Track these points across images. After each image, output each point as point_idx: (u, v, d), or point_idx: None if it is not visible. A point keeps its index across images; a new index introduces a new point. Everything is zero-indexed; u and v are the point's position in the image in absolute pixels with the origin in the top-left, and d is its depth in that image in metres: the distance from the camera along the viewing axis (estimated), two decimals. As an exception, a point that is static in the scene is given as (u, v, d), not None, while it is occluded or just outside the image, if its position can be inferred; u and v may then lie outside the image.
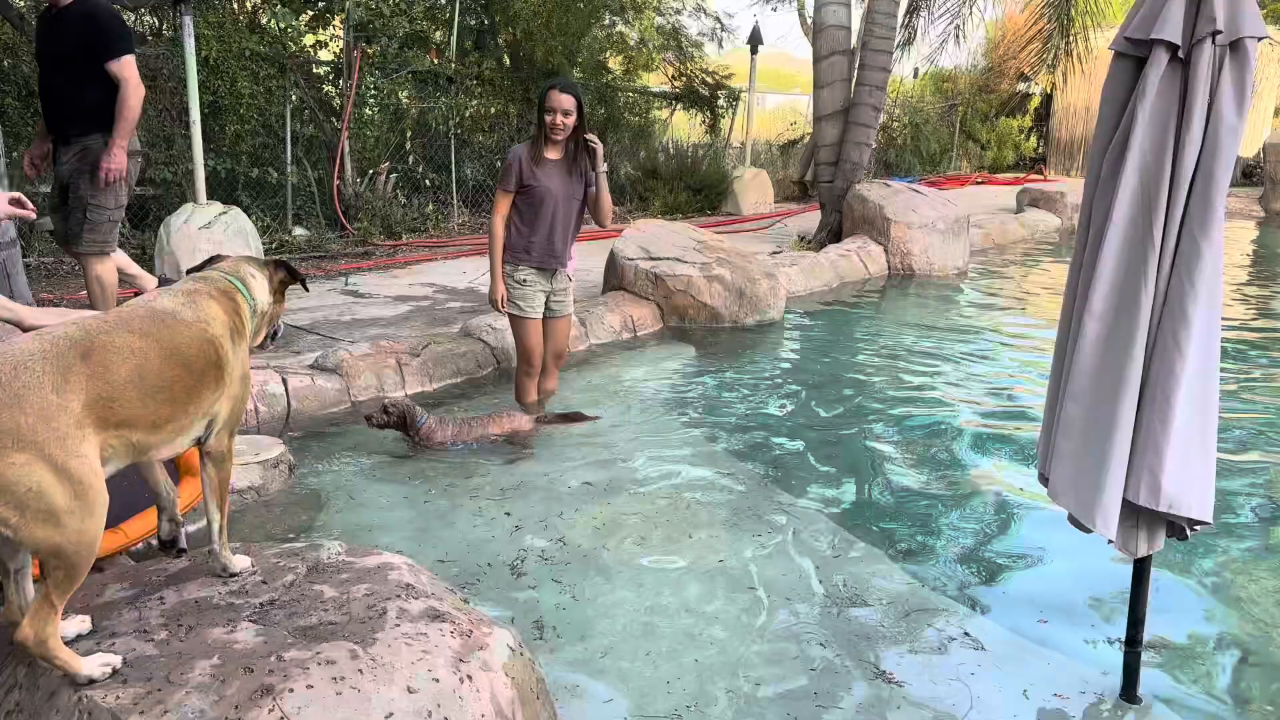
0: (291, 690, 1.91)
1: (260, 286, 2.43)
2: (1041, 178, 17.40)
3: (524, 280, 4.46)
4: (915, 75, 18.42)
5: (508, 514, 3.65)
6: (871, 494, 3.99)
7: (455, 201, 11.34)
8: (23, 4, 9.13)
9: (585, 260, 8.43)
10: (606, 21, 12.73)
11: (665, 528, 3.56)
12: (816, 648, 2.80)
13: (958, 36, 12.35)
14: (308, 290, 3.13)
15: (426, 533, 3.50)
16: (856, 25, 10.57)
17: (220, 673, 1.98)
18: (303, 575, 2.41)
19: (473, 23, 12.09)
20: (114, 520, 2.82)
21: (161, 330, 2.11)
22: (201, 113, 7.68)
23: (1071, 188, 13.06)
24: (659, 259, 6.67)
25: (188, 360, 2.12)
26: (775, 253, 8.92)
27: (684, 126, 15.01)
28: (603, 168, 4.41)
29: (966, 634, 2.89)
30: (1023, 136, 19.68)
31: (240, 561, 2.37)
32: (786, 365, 5.95)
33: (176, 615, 2.20)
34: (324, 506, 3.71)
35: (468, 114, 11.45)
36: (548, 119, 4.22)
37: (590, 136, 4.33)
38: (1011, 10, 17.01)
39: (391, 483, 3.93)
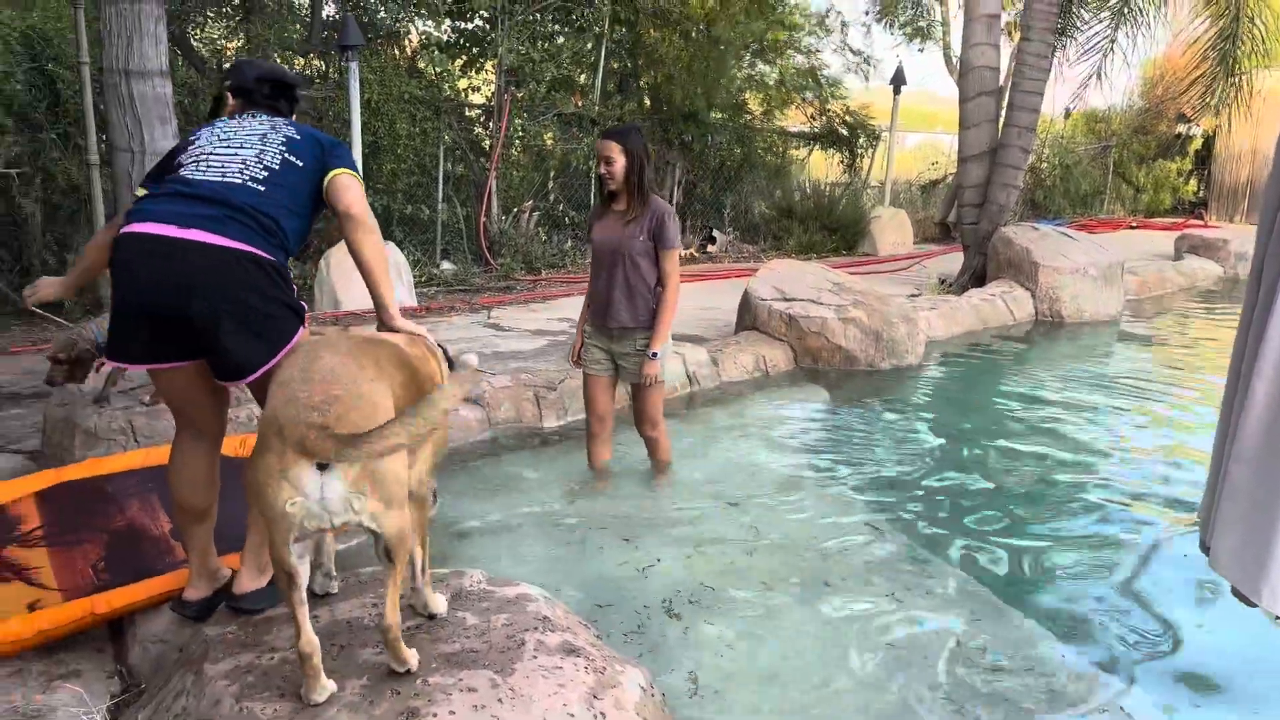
0: (435, 715, 1.99)
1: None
2: (1202, 223, 16.44)
3: (586, 333, 4.27)
4: (1066, 115, 17.79)
5: (637, 551, 3.68)
6: (1012, 554, 3.83)
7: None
8: (205, 50, 9.91)
9: (718, 298, 8.48)
10: (746, 63, 12.84)
11: (795, 575, 3.52)
12: (952, 714, 2.71)
13: (1099, 77, 11.84)
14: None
15: (559, 565, 3.56)
16: (1004, 64, 10.33)
17: (369, 693, 2.07)
18: (447, 601, 2.51)
19: (616, 66, 12.41)
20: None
21: (421, 366, 2.39)
22: (362, 152, 8.15)
23: (1235, 235, 12.30)
24: (793, 299, 6.65)
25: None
26: (913, 295, 8.74)
27: (821, 165, 14.93)
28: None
29: (1120, 709, 2.74)
30: (1181, 180, 18.68)
31: (440, 603, 2.42)
32: (925, 413, 5.80)
33: (330, 634, 2.32)
34: (464, 534, 3.83)
35: (608, 154, 11.73)
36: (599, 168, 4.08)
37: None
38: (1171, 51, 16.26)
39: (528, 514, 4.03)
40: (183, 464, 2.58)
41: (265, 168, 2.49)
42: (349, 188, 2.54)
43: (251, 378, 2.41)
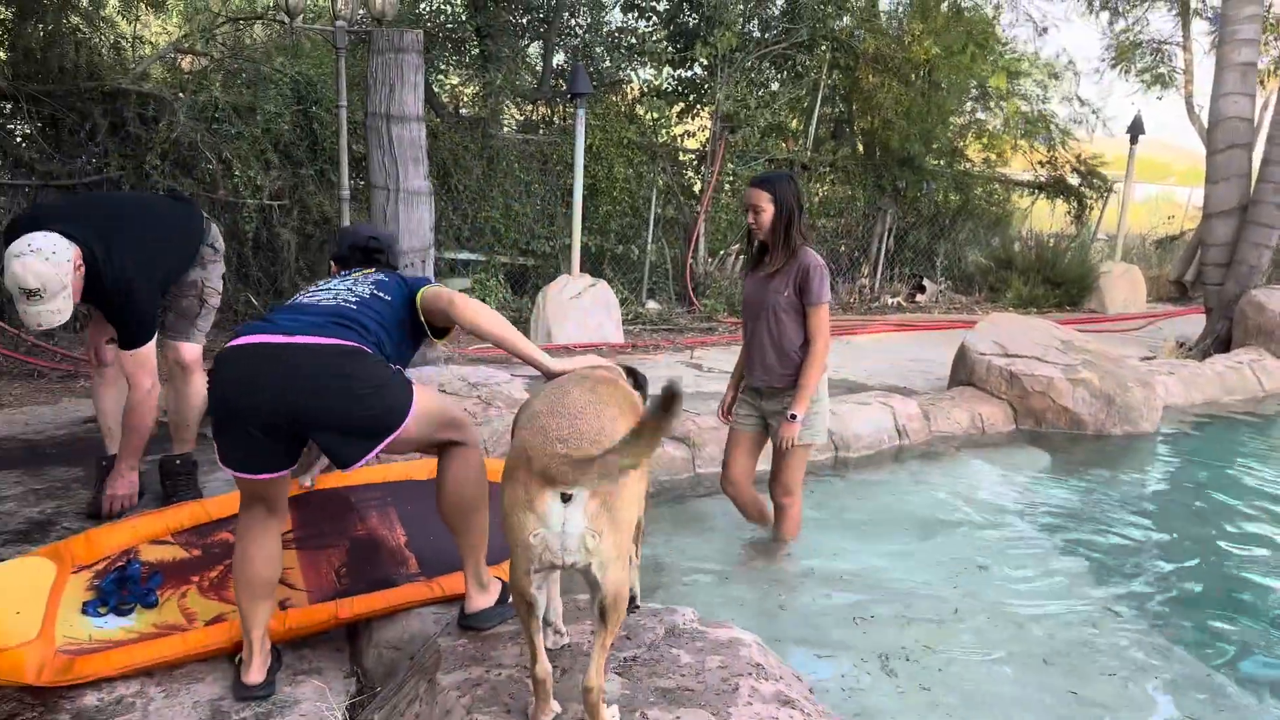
0: (654, 750, 2.00)
1: None
2: None
3: (741, 385, 4.08)
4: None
5: (844, 603, 3.59)
6: (1247, 645, 3.45)
7: (798, 284, 11.53)
8: (444, 95, 10.65)
9: (929, 350, 8.21)
10: (967, 109, 12.48)
11: (1006, 647, 3.32)
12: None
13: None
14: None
15: (765, 610, 3.53)
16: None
17: (590, 719, 2.11)
18: (660, 636, 2.53)
19: (830, 111, 12.37)
20: (498, 558, 3.15)
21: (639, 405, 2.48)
22: (581, 195, 8.51)
23: None
24: (1015, 356, 6.33)
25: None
26: (1147, 358, 8.13)
27: (1044, 216, 14.22)
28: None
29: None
30: None
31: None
32: (1160, 486, 5.36)
33: (553, 657, 2.38)
34: (668, 571, 3.87)
35: (816, 200, 11.67)
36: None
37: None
38: None
39: (733, 555, 4.02)
40: (260, 542, 2.60)
41: (356, 296, 2.64)
42: (438, 292, 2.69)
43: (358, 465, 2.49)
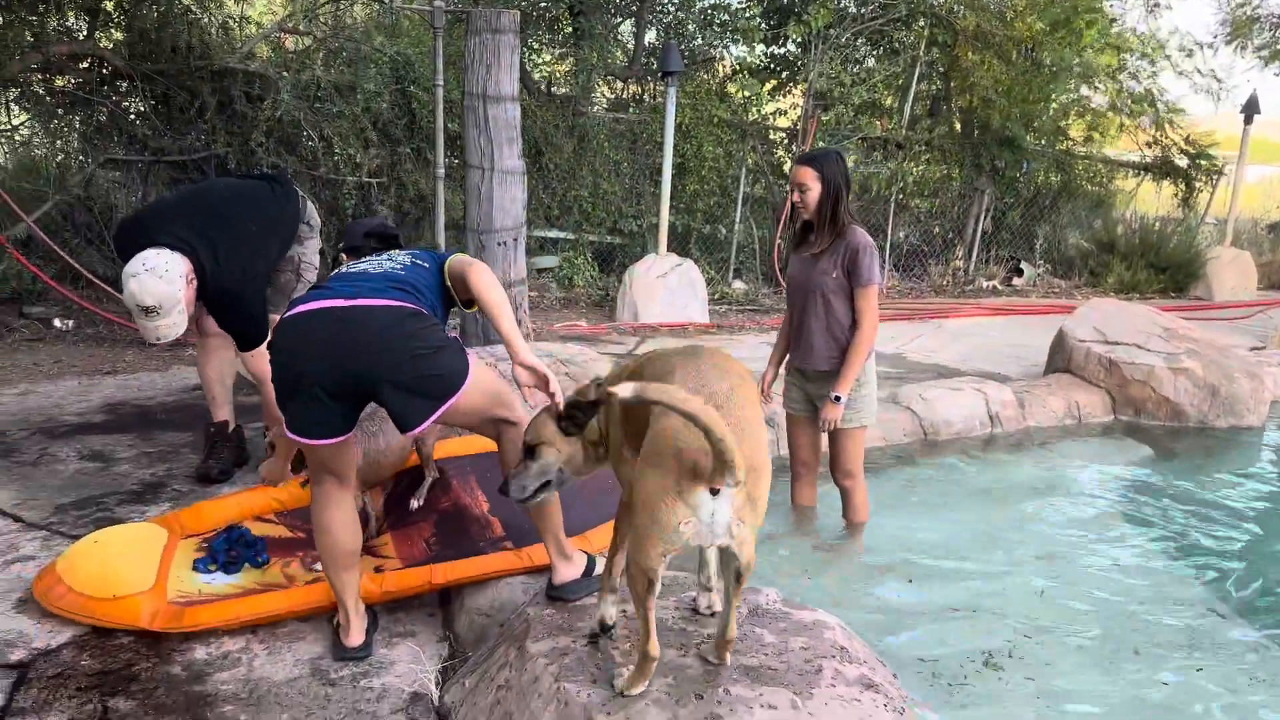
0: (737, 726, 2.03)
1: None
2: None
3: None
4: None
5: (930, 592, 3.55)
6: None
7: (887, 265, 11.34)
8: (537, 73, 10.74)
9: (1025, 335, 7.98)
10: (1070, 87, 12.02)
11: (1100, 638, 3.25)
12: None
13: None
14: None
15: (849, 595, 3.52)
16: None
17: (674, 692, 2.15)
18: (744, 616, 2.55)
19: (927, 89, 12.07)
20: (580, 528, 3.21)
21: None
22: (670, 173, 8.50)
23: None
24: (1115, 343, 6.12)
25: None
26: (1256, 348, 7.76)
27: (1149, 198, 13.64)
28: None
29: None
30: None
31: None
32: (1265, 482, 5.14)
33: (635, 633, 2.43)
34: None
35: (910, 179, 11.43)
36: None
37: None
38: None
39: (817, 540, 4.01)
40: (335, 513, 2.66)
41: (399, 264, 2.71)
42: (463, 257, 2.77)
43: (419, 430, 2.55)
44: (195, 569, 3.14)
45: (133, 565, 2.96)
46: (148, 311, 3.45)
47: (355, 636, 2.71)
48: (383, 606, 3.00)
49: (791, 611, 2.61)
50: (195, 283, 3.58)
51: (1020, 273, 11.85)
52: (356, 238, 3.21)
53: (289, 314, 2.54)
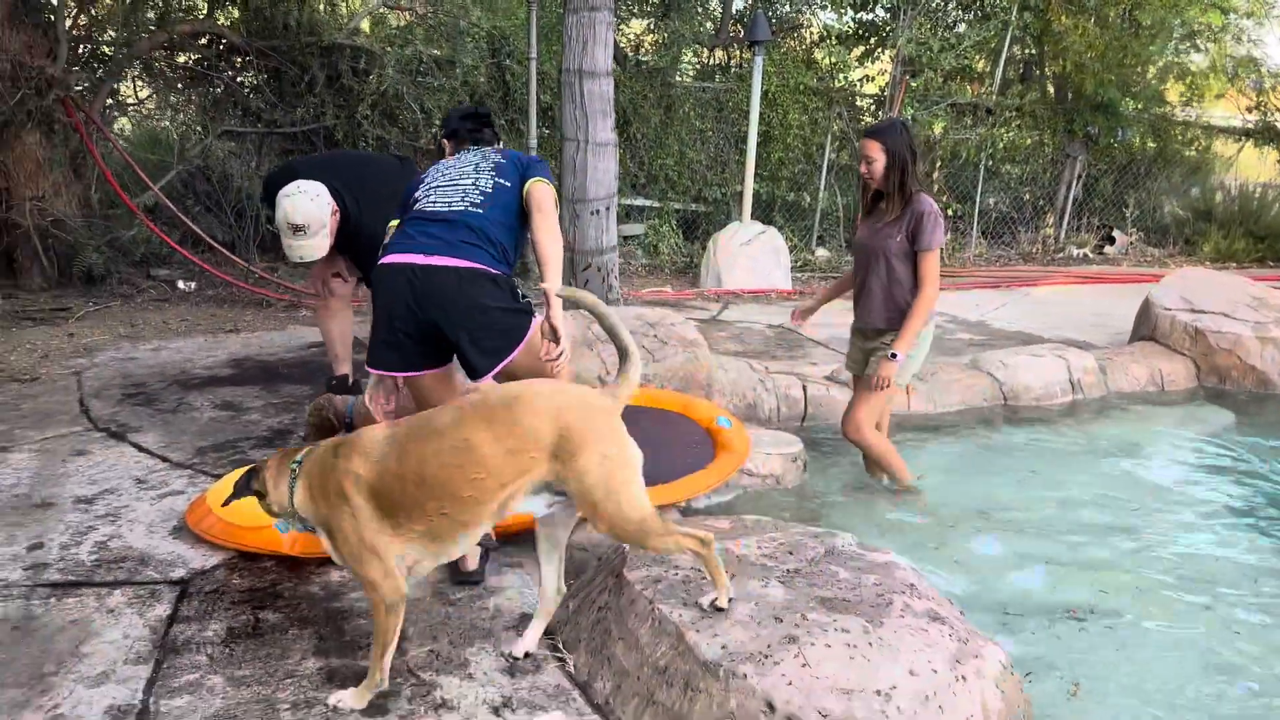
0: (813, 644, 2.28)
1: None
2: None
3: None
4: None
5: (1004, 548, 3.72)
6: None
7: (974, 232, 11.28)
8: (626, 44, 10.92)
9: (1113, 304, 7.93)
10: (1170, 50, 11.69)
11: (1176, 599, 3.37)
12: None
13: None
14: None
15: (920, 546, 3.71)
16: None
17: (756, 615, 2.41)
18: (820, 554, 2.79)
19: (1019, 54, 11.88)
20: (669, 478, 3.49)
21: None
22: (755, 141, 8.63)
23: None
24: (1202, 311, 6.11)
25: None
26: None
27: (1251, 164, 13.19)
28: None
29: None
30: None
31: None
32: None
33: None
34: (829, 503, 4.10)
35: (1001, 145, 11.32)
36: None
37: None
38: None
39: (885, 494, 4.20)
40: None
41: (481, 192, 2.98)
42: (544, 192, 2.97)
43: (489, 376, 2.86)
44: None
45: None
46: (296, 230, 3.84)
47: (470, 563, 3.03)
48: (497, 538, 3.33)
49: (865, 553, 2.83)
50: (339, 215, 3.96)
51: (1112, 240, 11.65)
52: (454, 122, 3.45)
53: (381, 262, 2.93)
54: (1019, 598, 3.34)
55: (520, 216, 3.00)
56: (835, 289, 4.35)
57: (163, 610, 2.89)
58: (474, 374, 2.90)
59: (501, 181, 3.00)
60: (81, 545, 3.30)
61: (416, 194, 3.09)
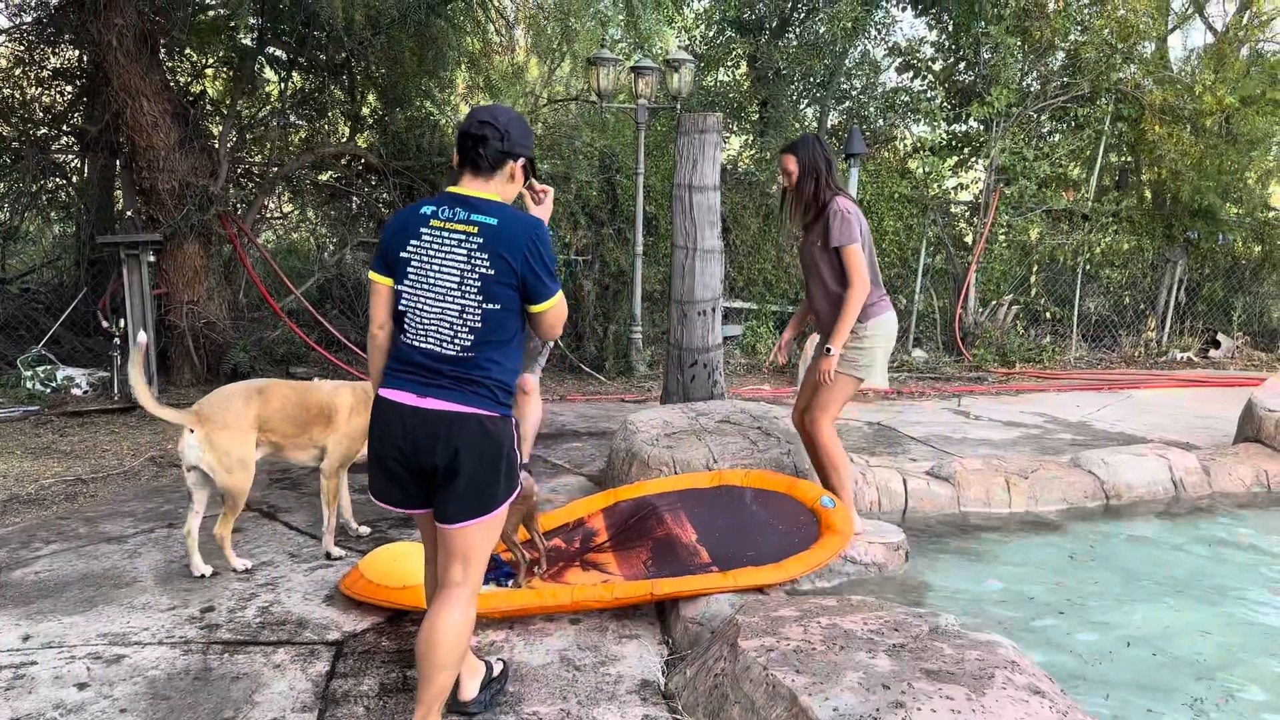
0: (919, 709, 2.47)
1: None
2: None
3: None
4: None
5: (1110, 636, 3.79)
6: None
7: (1074, 335, 11.29)
8: (725, 158, 11.49)
9: (1218, 406, 7.86)
10: (1272, 156, 11.70)
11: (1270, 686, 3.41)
12: None
13: None
14: None
15: (1023, 630, 3.81)
16: None
17: (865, 683, 2.62)
18: (925, 632, 2.97)
19: (1115, 160, 12.04)
20: (776, 557, 3.72)
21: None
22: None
23: None
24: (1311, 415, 6.07)
25: None
26: None
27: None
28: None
29: None
30: None
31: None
32: None
33: (832, 637, 2.91)
34: (930, 590, 4.24)
35: (1099, 250, 11.40)
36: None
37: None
38: None
39: (985, 582, 4.31)
40: (440, 610, 2.76)
41: (470, 329, 2.65)
42: (551, 326, 2.79)
43: (455, 528, 2.67)
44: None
45: (416, 563, 3.70)
46: None
47: (466, 691, 2.98)
48: (610, 613, 3.60)
49: (968, 632, 3.00)
50: None
51: (1217, 344, 11.49)
52: (459, 137, 3.18)
53: (379, 393, 2.74)
54: (1125, 682, 3.42)
55: (517, 327, 2.74)
56: (802, 313, 4.61)
57: (322, 667, 3.23)
58: (445, 520, 2.68)
59: (491, 307, 2.65)
60: (247, 609, 3.69)
61: (403, 299, 2.72)
